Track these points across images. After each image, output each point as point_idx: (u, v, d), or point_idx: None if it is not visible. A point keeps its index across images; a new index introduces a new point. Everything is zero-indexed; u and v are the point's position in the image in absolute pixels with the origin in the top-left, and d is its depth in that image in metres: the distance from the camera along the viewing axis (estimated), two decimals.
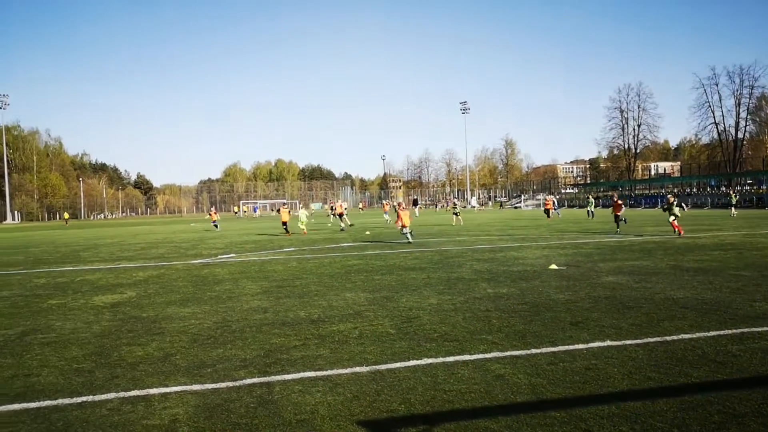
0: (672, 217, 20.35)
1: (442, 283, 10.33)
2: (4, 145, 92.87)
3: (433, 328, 6.79)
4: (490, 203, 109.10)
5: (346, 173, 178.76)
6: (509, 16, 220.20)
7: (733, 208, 37.37)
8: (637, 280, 10.04)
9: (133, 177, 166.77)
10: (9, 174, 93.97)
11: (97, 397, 4.74)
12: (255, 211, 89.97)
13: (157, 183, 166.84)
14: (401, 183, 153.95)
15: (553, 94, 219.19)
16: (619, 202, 24.01)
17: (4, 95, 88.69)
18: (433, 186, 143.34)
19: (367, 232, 27.08)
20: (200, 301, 9.26)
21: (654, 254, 14.26)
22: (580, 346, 5.85)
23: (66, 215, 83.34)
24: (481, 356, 5.58)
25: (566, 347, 5.81)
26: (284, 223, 27.57)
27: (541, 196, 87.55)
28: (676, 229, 19.94)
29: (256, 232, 30.70)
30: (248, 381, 5.04)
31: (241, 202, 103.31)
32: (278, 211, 29.39)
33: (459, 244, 19.06)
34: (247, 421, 4.15)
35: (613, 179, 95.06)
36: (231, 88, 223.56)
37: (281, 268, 13.55)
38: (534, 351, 5.71)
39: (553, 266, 12.15)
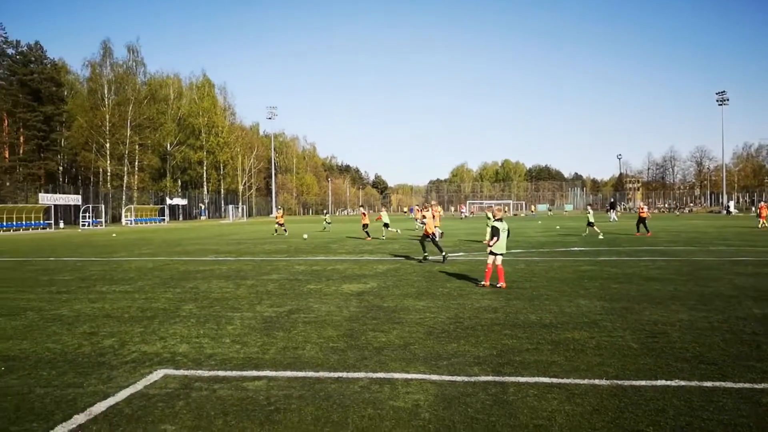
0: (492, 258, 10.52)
1: (694, 298, 9.19)
2: (272, 149, 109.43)
3: (684, 347, 6.10)
4: (753, 208, 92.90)
5: (576, 173, 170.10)
6: None
7: None
8: None
9: (372, 177, 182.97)
10: (275, 175, 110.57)
11: (351, 375, 5.34)
12: (411, 211, 71.04)
13: (391, 183, 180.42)
14: (640, 184, 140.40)
15: None
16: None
17: (273, 107, 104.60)
18: (679, 188, 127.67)
19: (601, 237, 25.36)
20: (433, 296, 9.74)
21: None
22: None
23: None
24: (748, 385, 4.84)
25: None
26: (365, 225, 27.17)
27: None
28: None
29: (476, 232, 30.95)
30: (482, 378, 5.16)
31: (468, 202, 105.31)
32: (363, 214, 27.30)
33: (713, 254, 16.69)
34: (483, 417, 4.26)
35: None
36: (457, 90, 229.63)
37: (509, 270, 13.46)
38: None
39: None
